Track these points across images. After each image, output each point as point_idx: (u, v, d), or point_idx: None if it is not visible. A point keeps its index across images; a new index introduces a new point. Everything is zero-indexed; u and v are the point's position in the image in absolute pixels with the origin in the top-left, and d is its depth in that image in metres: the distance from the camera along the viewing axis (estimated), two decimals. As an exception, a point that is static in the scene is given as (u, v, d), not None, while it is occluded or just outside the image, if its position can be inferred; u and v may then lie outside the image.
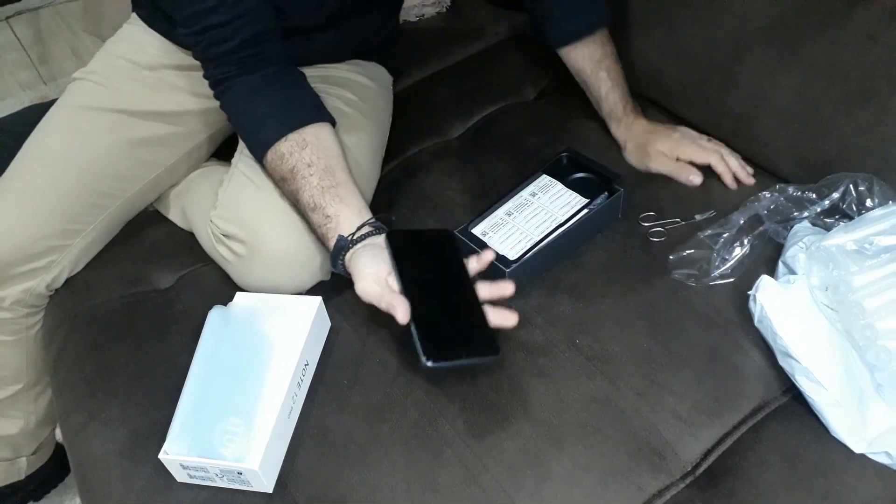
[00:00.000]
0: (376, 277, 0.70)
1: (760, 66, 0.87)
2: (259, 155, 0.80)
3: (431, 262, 0.74)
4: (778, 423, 0.69)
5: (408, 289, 0.69)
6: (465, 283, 0.72)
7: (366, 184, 0.88)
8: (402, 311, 0.66)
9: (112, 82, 0.92)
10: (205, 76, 0.81)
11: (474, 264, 0.75)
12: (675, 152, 0.92)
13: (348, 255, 0.74)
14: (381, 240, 0.74)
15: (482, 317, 0.69)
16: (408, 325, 0.66)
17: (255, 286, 0.82)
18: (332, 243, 0.75)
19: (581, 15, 0.93)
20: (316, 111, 0.81)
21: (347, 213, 0.76)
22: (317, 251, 0.81)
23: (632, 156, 0.95)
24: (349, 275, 0.74)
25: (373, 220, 0.76)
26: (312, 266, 0.81)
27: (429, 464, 0.68)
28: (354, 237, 0.74)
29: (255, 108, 0.80)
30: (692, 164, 0.91)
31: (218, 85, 0.80)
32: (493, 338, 0.69)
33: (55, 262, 0.90)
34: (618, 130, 0.97)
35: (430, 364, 0.64)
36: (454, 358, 0.67)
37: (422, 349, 0.65)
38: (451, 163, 1.01)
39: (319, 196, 0.76)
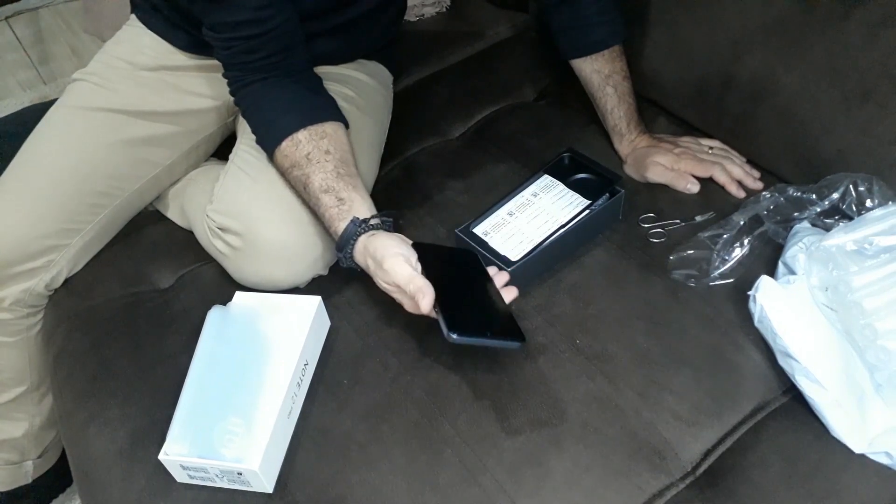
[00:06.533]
0: (406, 259, 0.70)
1: (760, 66, 0.87)
2: (274, 142, 0.79)
3: (455, 267, 0.75)
4: (778, 423, 0.69)
5: (433, 280, 0.68)
6: (490, 283, 0.73)
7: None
8: (427, 300, 0.66)
9: (111, 83, 0.92)
10: (224, 76, 0.82)
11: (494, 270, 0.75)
12: (674, 167, 0.91)
13: (363, 238, 0.73)
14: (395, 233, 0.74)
15: (507, 309, 0.70)
16: (425, 316, 0.66)
17: (251, 280, 0.82)
18: (342, 225, 0.74)
19: (593, 31, 0.93)
20: (335, 112, 0.82)
21: (361, 201, 0.76)
22: (313, 243, 0.81)
23: (630, 169, 0.95)
24: (356, 265, 0.74)
25: (383, 214, 0.77)
26: (309, 258, 0.81)
27: (429, 464, 0.68)
28: (370, 222, 0.74)
29: (276, 100, 0.80)
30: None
31: (237, 82, 0.81)
32: (518, 327, 0.69)
33: (54, 262, 0.90)
34: (620, 146, 0.97)
35: (454, 336, 0.64)
36: (478, 335, 0.66)
37: (446, 323, 0.64)
38: (452, 163, 1.01)
39: (334, 180, 0.76)
